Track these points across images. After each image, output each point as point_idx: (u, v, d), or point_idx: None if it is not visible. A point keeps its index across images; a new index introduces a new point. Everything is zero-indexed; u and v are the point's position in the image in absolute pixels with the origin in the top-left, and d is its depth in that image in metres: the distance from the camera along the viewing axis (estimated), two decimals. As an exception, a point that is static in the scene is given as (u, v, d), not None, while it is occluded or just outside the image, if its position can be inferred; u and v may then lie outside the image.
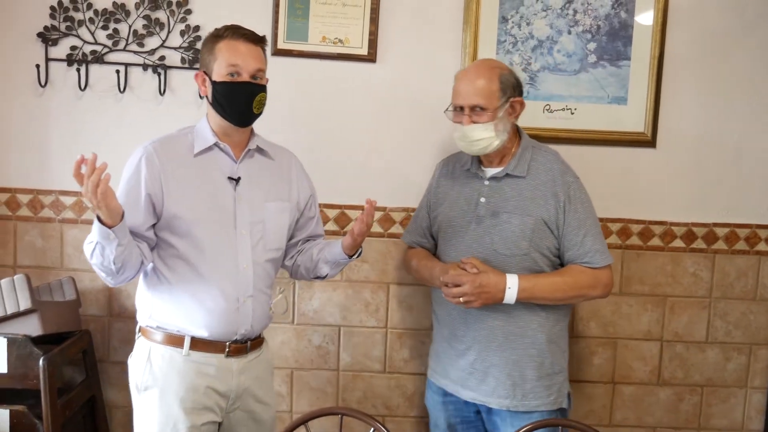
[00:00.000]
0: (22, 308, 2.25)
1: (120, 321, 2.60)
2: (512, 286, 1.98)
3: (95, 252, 1.75)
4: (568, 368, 2.17)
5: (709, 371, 2.71)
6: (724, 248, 2.67)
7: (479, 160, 2.15)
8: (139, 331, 2.00)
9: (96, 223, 1.70)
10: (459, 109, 2.06)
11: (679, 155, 2.62)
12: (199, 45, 2.46)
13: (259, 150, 2.02)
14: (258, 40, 1.92)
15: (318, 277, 2.09)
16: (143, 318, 1.98)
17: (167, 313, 1.92)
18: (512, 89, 2.05)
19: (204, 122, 1.97)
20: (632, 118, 2.58)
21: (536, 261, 2.05)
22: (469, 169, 2.16)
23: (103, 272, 1.81)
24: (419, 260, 2.26)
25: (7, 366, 2.23)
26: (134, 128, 2.52)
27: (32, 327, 2.26)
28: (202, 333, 1.90)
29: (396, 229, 2.60)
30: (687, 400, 2.73)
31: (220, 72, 1.87)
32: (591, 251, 2.03)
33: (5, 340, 2.22)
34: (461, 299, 1.99)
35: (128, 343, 2.58)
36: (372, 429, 1.76)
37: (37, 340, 2.25)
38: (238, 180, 1.94)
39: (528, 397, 2.07)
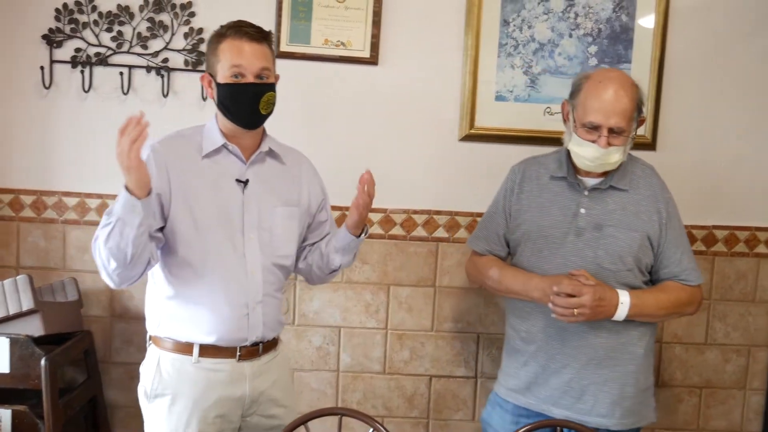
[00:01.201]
0: (24, 309, 2.26)
1: (122, 322, 2.60)
2: (624, 302, 1.90)
3: (113, 233, 1.63)
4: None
5: (708, 373, 2.72)
6: (724, 250, 2.67)
7: (575, 169, 2.03)
8: (150, 338, 1.93)
9: (123, 193, 1.62)
10: (591, 127, 1.90)
11: (679, 158, 2.63)
12: (202, 47, 2.47)
13: (271, 152, 1.95)
14: (263, 38, 1.83)
15: (333, 272, 2.01)
16: (152, 327, 1.91)
17: (175, 322, 1.86)
18: (641, 106, 1.96)
19: (213, 122, 1.91)
20: (632, 121, 2.59)
21: (636, 277, 1.99)
22: (564, 177, 2.03)
23: (114, 261, 1.67)
24: (502, 269, 2.08)
25: (9, 366, 2.24)
26: (137, 130, 2.53)
27: (34, 327, 2.27)
28: (211, 340, 1.84)
29: (396, 230, 2.61)
30: (686, 402, 2.73)
31: (223, 74, 1.81)
32: (688, 269, 2.00)
33: (8, 340, 2.23)
34: (576, 311, 1.87)
35: (130, 344, 2.60)
36: (371, 429, 1.76)
37: (39, 341, 2.26)
38: (246, 183, 1.88)
39: (627, 414, 1.99)
